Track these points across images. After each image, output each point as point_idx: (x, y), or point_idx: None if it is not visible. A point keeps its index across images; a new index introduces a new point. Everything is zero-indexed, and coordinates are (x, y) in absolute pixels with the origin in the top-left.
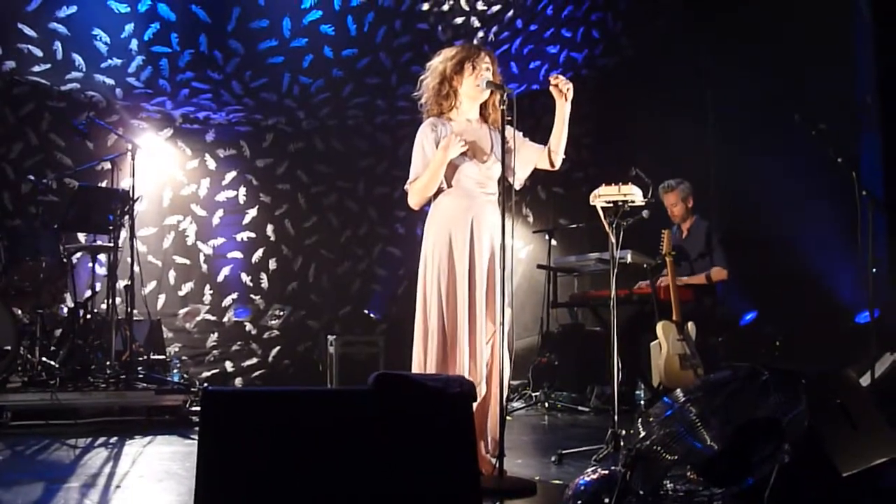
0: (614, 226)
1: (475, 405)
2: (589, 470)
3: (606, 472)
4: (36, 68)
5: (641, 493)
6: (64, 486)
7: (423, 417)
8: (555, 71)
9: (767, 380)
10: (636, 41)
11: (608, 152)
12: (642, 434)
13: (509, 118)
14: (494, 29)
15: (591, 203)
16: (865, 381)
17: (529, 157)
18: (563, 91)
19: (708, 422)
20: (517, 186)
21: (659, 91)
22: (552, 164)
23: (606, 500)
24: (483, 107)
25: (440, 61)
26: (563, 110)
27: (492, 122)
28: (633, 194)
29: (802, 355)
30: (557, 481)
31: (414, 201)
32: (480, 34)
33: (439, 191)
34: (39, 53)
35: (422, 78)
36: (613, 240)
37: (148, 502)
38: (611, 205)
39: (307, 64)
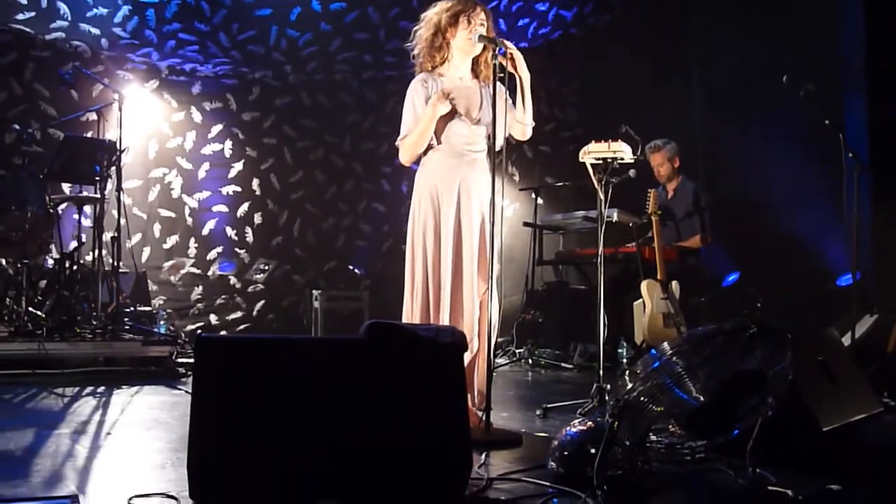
0: (603, 183)
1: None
2: (575, 421)
3: (593, 423)
4: (20, 16)
5: (628, 443)
6: (54, 432)
7: (414, 366)
8: (543, 28)
9: (754, 334)
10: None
11: (596, 112)
12: (629, 386)
13: (501, 75)
14: None
15: (581, 160)
16: (846, 341)
17: (510, 119)
18: (513, 60)
19: (694, 374)
20: (497, 147)
21: (647, 51)
22: (522, 135)
23: (592, 451)
24: (475, 63)
25: (435, 12)
26: (522, 82)
27: (483, 78)
28: (623, 151)
29: (784, 316)
30: (542, 433)
31: (404, 158)
32: None
33: (429, 147)
34: (24, 1)
35: (415, 28)
36: (602, 197)
37: (138, 448)
38: (600, 162)
39: (295, 17)
